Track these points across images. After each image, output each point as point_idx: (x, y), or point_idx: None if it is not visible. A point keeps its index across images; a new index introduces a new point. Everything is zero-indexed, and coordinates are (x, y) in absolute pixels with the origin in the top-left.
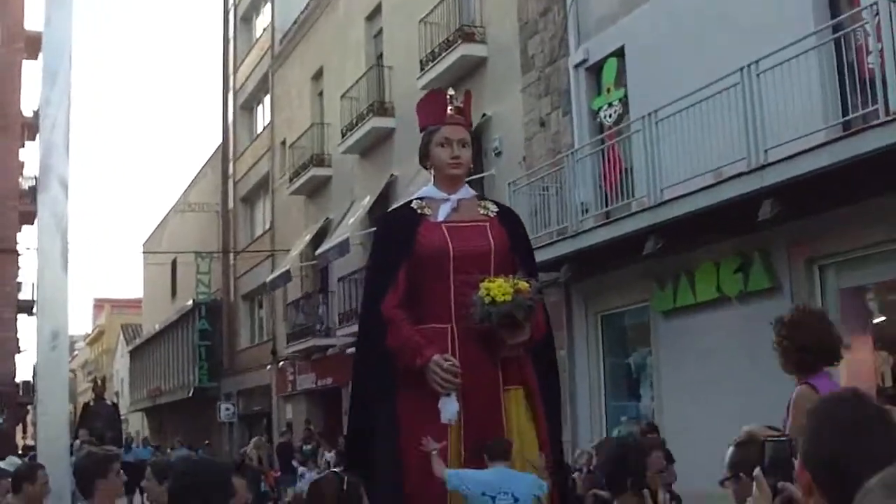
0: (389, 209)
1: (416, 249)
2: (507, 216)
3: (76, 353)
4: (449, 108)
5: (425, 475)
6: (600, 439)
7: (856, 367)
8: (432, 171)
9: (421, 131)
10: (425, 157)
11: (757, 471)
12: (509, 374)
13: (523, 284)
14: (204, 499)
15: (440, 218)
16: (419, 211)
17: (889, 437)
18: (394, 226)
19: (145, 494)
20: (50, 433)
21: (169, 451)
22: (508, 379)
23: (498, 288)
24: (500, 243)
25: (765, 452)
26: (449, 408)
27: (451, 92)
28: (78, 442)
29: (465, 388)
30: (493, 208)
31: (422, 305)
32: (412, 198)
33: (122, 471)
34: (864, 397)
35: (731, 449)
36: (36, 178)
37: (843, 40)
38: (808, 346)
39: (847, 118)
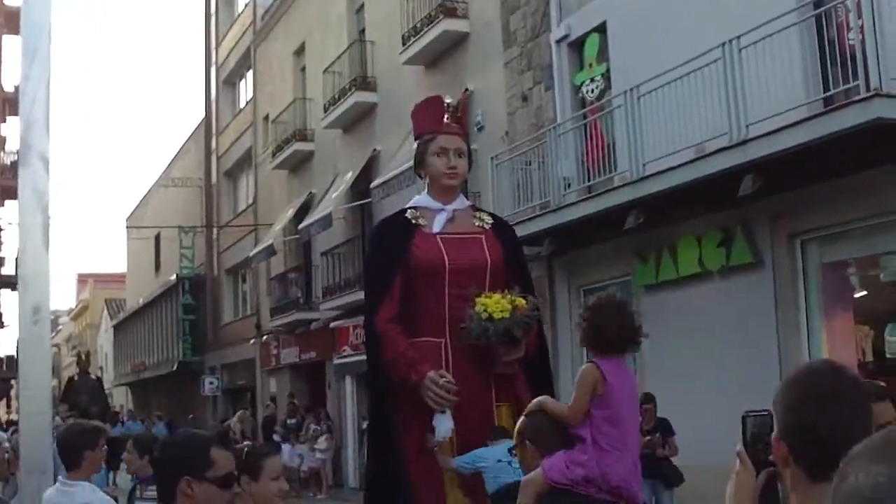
0: (383, 217)
1: (410, 261)
2: (501, 228)
3: (60, 327)
4: (445, 116)
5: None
6: None
7: (837, 342)
8: (426, 180)
9: (416, 139)
10: (420, 166)
11: (739, 446)
12: (501, 390)
13: (520, 301)
14: (183, 467)
15: (435, 229)
16: (414, 221)
17: (864, 406)
18: (388, 236)
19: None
20: (32, 408)
21: (150, 425)
22: (500, 395)
23: (495, 304)
24: (495, 256)
25: (745, 428)
26: (443, 425)
27: (448, 100)
28: (58, 418)
29: (459, 404)
30: (488, 220)
31: (416, 317)
32: (406, 206)
33: (106, 445)
34: (839, 368)
35: (521, 418)
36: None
37: (824, 16)
38: (602, 331)
39: (828, 94)
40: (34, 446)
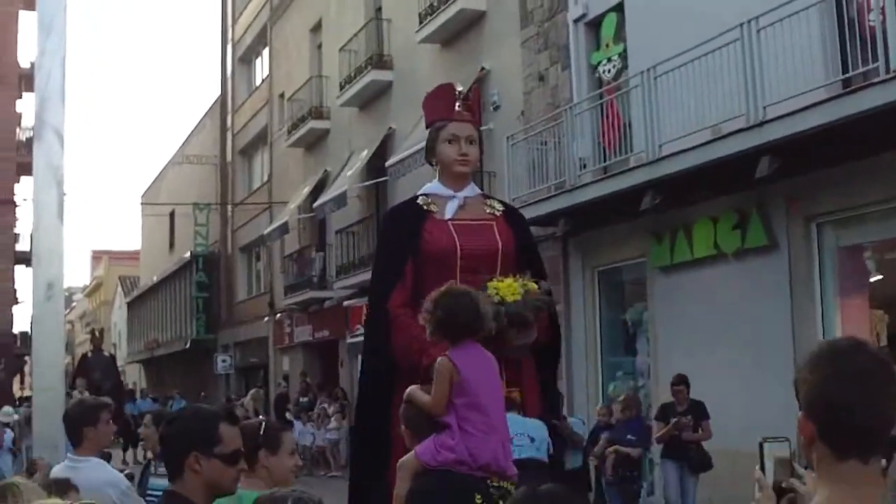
0: (395, 205)
1: (422, 247)
2: (512, 215)
3: (74, 304)
4: (457, 103)
5: None
6: (626, 393)
7: (851, 325)
8: (437, 168)
9: (427, 127)
10: (431, 153)
11: (757, 472)
12: (512, 374)
13: (532, 285)
14: (191, 443)
15: (447, 215)
16: (425, 207)
17: (890, 383)
18: (400, 222)
19: (142, 443)
20: (44, 383)
21: (169, 403)
22: (511, 379)
23: (507, 287)
24: (507, 242)
25: (762, 454)
26: None
27: (459, 87)
28: (76, 392)
29: None
30: (499, 207)
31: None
32: (418, 193)
33: (111, 420)
34: (865, 345)
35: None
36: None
37: None
38: (452, 317)
39: (847, 75)
40: (46, 422)
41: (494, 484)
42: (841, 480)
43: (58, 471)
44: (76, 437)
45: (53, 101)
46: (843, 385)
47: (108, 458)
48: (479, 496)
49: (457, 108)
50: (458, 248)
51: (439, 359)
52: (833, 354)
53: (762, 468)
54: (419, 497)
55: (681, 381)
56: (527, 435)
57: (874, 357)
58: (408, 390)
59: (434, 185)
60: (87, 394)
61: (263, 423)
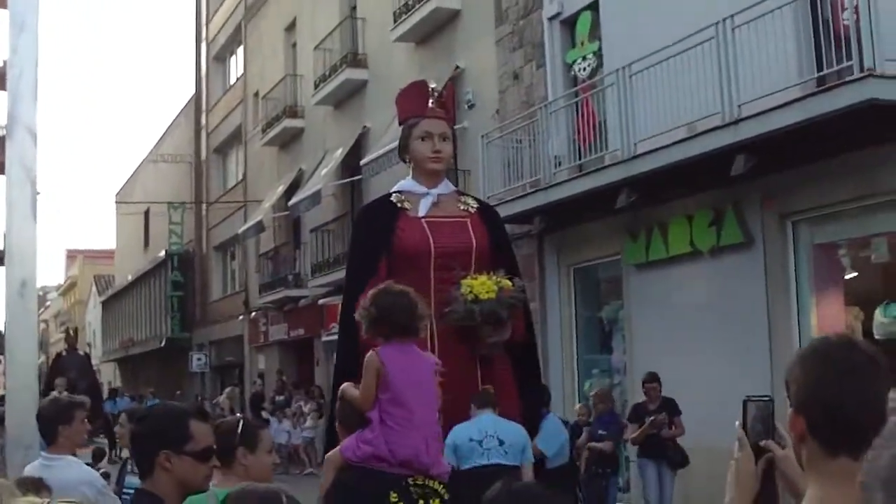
0: (368, 202)
1: (395, 244)
2: (486, 212)
3: (48, 303)
4: (430, 100)
5: None
6: (598, 388)
7: (827, 323)
8: (411, 165)
9: (400, 124)
10: (405, 150)
11: (739, 431)
12: (486, 372)
13: (506, 282)
14: (161, 441)
15: (420, 213)
16: (398, 204)
17: (882, 381)
18: (373, 219)
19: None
20: (18, 382)
21: (144, 402)
22: (485, 377)
23: (481, 285)
24: (480, 240)
25: (746, 413)
26: None
27: (432, 85)
28: (55, 392)
29: (444, 386)
30: (474, 204)
31: None
32: (391, 191)
33: (87, 419)
34: (857, 343)
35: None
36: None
37: None
38: (379, 318)
39: (821, 73)
40: (20, 421)
41: (418, 482)
42: (832, 477)
43: (31, 469)
44: (50, 436)
45: (26, 99)
46: (835, 382)
47: (101, 455)
48: (395, 494)
49: (430, 105)
50: (432, 245)
51: (368, 354)
52: (825, 351)
53: (744, 427)
54: (336, 492)
55: (653, 379)
56: (496, 437)
57: (866, 354)
58: (342, 386)
59: (408, 182)
60: (65, 394)
61: (241, 421)
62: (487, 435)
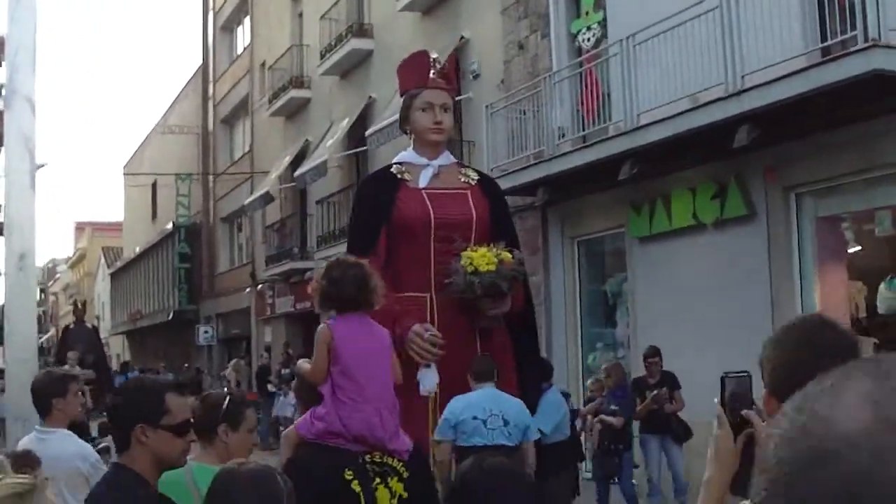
0: (369, 174)
1: (394, 215)
2: (487, 184)
3: (58, 276)
4: (432, 71)
5: None
6: (608, 363)
7: (830, 296)
8: (412, 136)
9: (401, 95)
10: (406, 122)
11: (718, 408)
12: (486, 344)
13: (506, 255)
14: (137, 414)
15: (421, 184)
16: (399, 176)
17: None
18: (373, 190)
19: None
20: (18, 355)
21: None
22: (485, 349)
23: (481, 257)
24: (481, 212)
25: (724, 388)
26: (428, 379)
27: (434, 55)
28: (66, 366)
29: (444, 358)
30: (474, 176)
31: (400, 272)
32: (392, 162)
33: (81, 392)
34: (832, 322)
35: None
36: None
37: None
38: (336, 288)
39: (826, 44)
40: (19, 393)
41: (375, 459)
42: None
43: (25, 442)
44: (45, 409)
45: (24, 69)
46: (811, 363)
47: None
48: (349, 472)
49: (431, 75)
50: (432, 216)
51: (319, 327)
52: (801, 332)
53: (722, 403)
54: (291, 469)
55: (654, 353)
56: (501, 416)
57: (842, 334)
58: (298, 362)
59: (408, 154)
60: (77, 368)
61: (228, 398)
62: (492, 414)
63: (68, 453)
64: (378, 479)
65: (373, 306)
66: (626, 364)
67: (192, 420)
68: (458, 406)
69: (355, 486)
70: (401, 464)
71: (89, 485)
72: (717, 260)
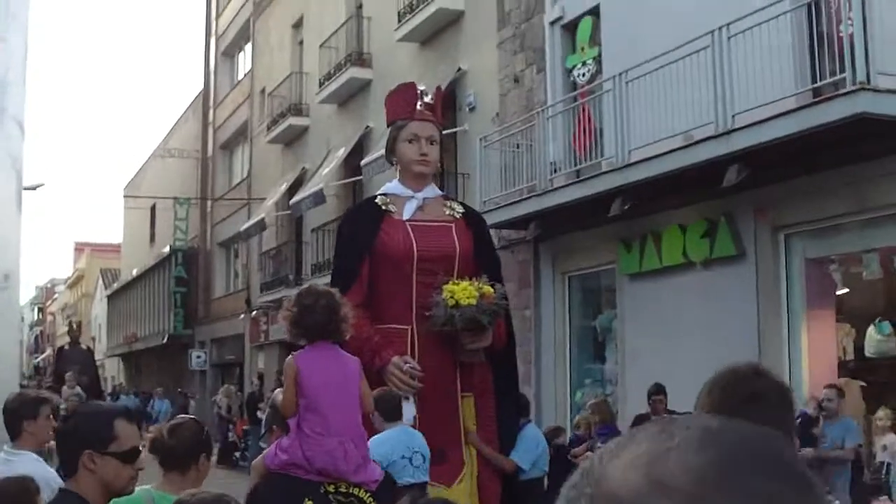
0: (354, 205)
1: (378, 246)
2: (472, 218)
3: (56, 296)
4: (419, 103)
5: None
6: (595, 399)
7: (818, 338)
8: (398, 167)
9: (388, 125)
10: (392, 152)
11: None
12: (466, 379)
13: (488, 289)
14: (85, 440)
15: (405, 216)
16: (383, 207)
17: (787, 409)
18: (357, 221)
19: None
20: None
21: (150, 402)
22: (465, 384)
23: (462, 291)
24: (464, 245)
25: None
26: (406, 412)
27: (421, 87)
28: (65, 388)
29: (423, 392)
30: (459, 209)
31: (382, 304)
32: (377, 193)
33: (52, 416)
34: (763, 371)
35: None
36: None
37: (814, 6)
38: (299, 318)
39: (816, 85)
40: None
41: (341, 489)
42: None
43: None
44: (15, 430)
45: (14, 88)
46: (735, 408)
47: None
48: (310, 501)
49: (418, 107)
50: (415, 249)
51: (287, 359)
52: (728, 378)
53: None
54: (252, 499)
55: (659, 391)
56: (420, 453)
57: (771, 383)
58: (273, 393)
59: (393, 185)
60: (77, 388)
61: (206, 429)
62: (415, 451)
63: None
64: None
65: (343, 335)
66: (615, 401)
67: (140, 448)
68: (386, 447)
69: None
70: (368, 494)
71: None
72: (706, 298)
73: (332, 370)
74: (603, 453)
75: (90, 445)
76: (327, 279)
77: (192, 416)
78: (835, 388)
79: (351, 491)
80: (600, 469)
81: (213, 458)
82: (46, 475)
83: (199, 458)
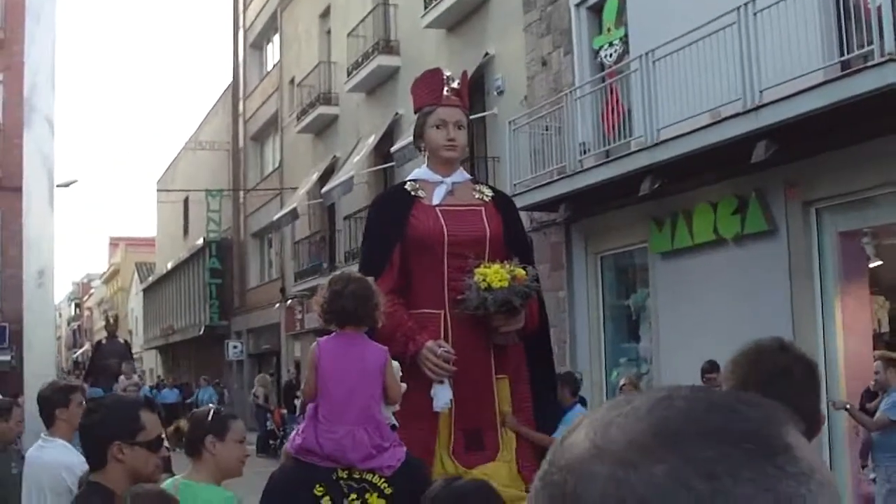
0: (383, 191)
1: (409, 232)
2: (501, 201)
3: (93, 291)
4: (445, 89)
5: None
6: (627, 380)
7: (851, 311)
8: (426, 153)
9: (416, 112)
10: (420, 139)
11: None
12: (500, 362)
13: (520, 271)
14: (113, 432)
15: (435, 201)
16: (413, 193)
17: (811, 383)
18: (387, 207)
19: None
20: (35, 369)
21: (195, 393)
22: (499, 366)
23: (494, 274)
24: (494, 228)
25: None
26: (442, 395)
27: (447, 73)
28: (122, 378)
29: (457, 375)
30: (489, 193)
31: (414, 289)
32: (406, 179)
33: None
34: (788, 346)
35: None
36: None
37: None
38: (328, 304)
39: (844, 58)
40: (36, 408)
41: (354, 475)
42: None
43: (31, 450)
44: (49, 419)
45: (44, 87)
46: (760, 383)
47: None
48: (320, 487)
49: (445, 93)
50: (446, 233)
51: (312, 345)
52: (754, 354)
53: None
54: (270, 481)
55: (713, 369)
56: None
57: (796, 357)
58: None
59: (422, 171)
60: (135, 377)
61: (212, 411)
62: None
63: (58, 464)
64: (355, 495)
65: (374, 322)
66: (650, 379)
67: (163, 436)
68: None
69: (326, 502)
70: (382, 480)
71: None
72: (739, 276)
73: (351, 357)
74: (572, 426)
75: (119, 437)
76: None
77: (209, 406)
78: (882, 360)
79: (364, 476)
80: (565, 440)
81: (252, 447)
82: (73, 463)
83: (204, 440)
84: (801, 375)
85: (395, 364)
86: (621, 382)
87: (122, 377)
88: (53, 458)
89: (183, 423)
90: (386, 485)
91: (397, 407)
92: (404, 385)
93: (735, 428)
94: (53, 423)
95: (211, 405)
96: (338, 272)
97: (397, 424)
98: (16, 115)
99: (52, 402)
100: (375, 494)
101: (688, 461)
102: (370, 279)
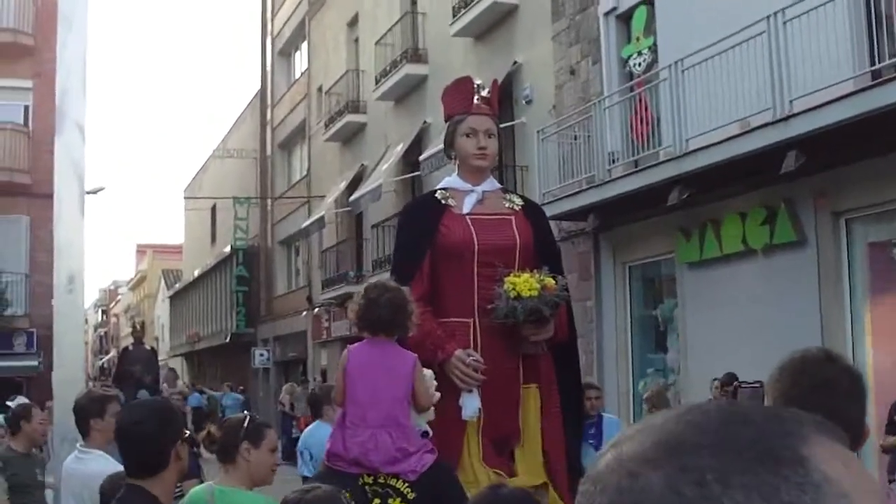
0: (413, 199)
1: (439, 240)
2: (532, 210)
3: (119, 297)
4: (475, 97)
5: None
6: (651, 389)
7: (881, 323)
8: (456, 161)
9: (446, 120)
10: (450, 147)
11: None
12: (529, 371)
13: (549, 281)
14: (243, 436)
15: (465, 210)
16: (443, 201)
17: (857, 393)
18: (417, 216)
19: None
20: (64, 376)
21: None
22: (528, 376)
23: (524, 283)
24: (524, 237)
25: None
26: (470, 404)
27: (478, 81)
28: (164, 385)
29: (485, 384)
30: (518, 202)
31: (444, 298)
32: (436, 188)
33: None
34: (835, 357)
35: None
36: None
37: None
38: (362, 311)
39: (875, 67)
40: (67, 414)
41: (379, 480)
42: None
43: (67, 462)
44: (84, 429)
45: (74, 94)
46: (805, 393)
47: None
48: (347, 493)
49: (475, 101)
50: (476, 242)
51: (343, 351)
52: (801, 363)
53: None
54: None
55: (731, 381)
56: (309, 451)
57: (842, 368)
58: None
59: (453, 179)
60: (180, 384)
61: (249, 418)
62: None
63: (97, 474)
64: (378, 500)
65: (407, 331)
66: (677, 391)
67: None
68: (318, 438)
69: None
70: (406, 485)
71: None
72: (767, 286)
73: (378, 362)
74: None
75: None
76: (388, 275)
77: (244, 413)
78: None
79: (388, 481)
80: (601, 452)
81: (279, 454)
82: (112, 472)
83: (239, 447)
84: (846, 386)
85: (429, 372)
86: (645, 395)
87: (164, 384)
88: (95, 470)
89: (214, 429)
90: (409, 490)
91: (432, 415)
92: (437, 394)
93: (742, 438)
94: (89, 433)
95: (246, 412)
96: (373, 281)
97: (430, 432)
98: (47, 121)
99: (87, 411)
100: (399, 499)
101: (683, 469)
102: (406, 289)
